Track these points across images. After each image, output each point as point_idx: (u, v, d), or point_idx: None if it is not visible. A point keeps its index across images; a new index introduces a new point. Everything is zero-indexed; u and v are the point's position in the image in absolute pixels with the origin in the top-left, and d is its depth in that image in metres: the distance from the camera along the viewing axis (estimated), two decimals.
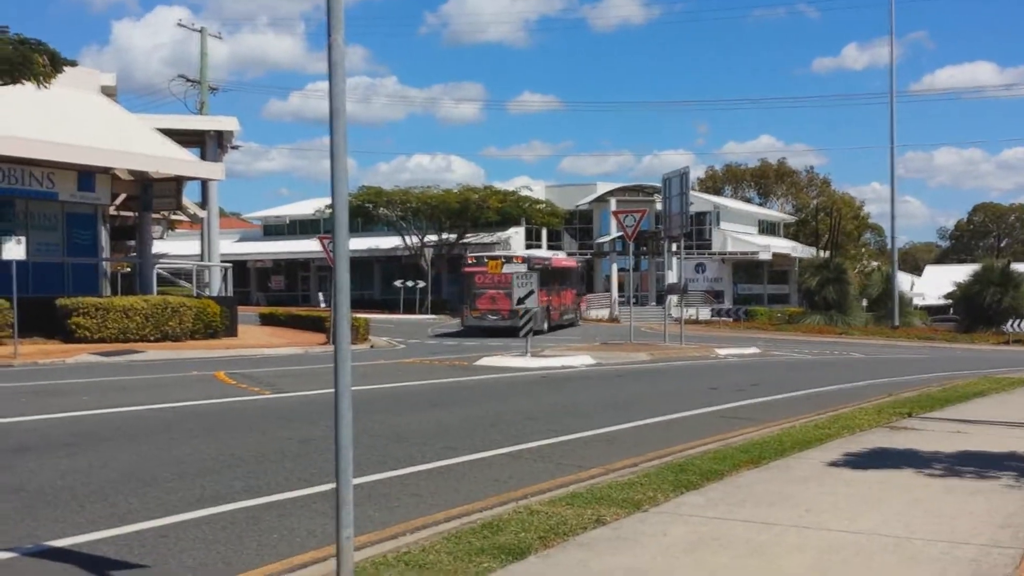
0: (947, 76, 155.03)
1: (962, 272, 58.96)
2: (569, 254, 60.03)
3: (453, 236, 63.08)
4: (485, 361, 23.01)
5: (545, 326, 42.14)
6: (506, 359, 23.25)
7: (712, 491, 7.77)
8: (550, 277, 44.12)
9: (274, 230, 76.82)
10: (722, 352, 29.49)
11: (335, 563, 4.96)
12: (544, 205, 64.41)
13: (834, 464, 9.06)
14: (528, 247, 65.13)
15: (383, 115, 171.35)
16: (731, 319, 55.84)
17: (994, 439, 10.80)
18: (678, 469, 8.56)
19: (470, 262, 41.73)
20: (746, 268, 69.68)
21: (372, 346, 30.10)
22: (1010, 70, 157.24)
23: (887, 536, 6.33)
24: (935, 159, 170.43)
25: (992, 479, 8.34)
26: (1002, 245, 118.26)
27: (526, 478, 8.63)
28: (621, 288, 60.18)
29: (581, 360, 23.87)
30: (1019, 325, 45.17)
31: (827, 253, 57.08)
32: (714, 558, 5.80)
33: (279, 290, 72.56)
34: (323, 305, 60.14)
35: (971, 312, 50.90)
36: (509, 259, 38.93)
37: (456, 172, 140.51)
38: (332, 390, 4.87)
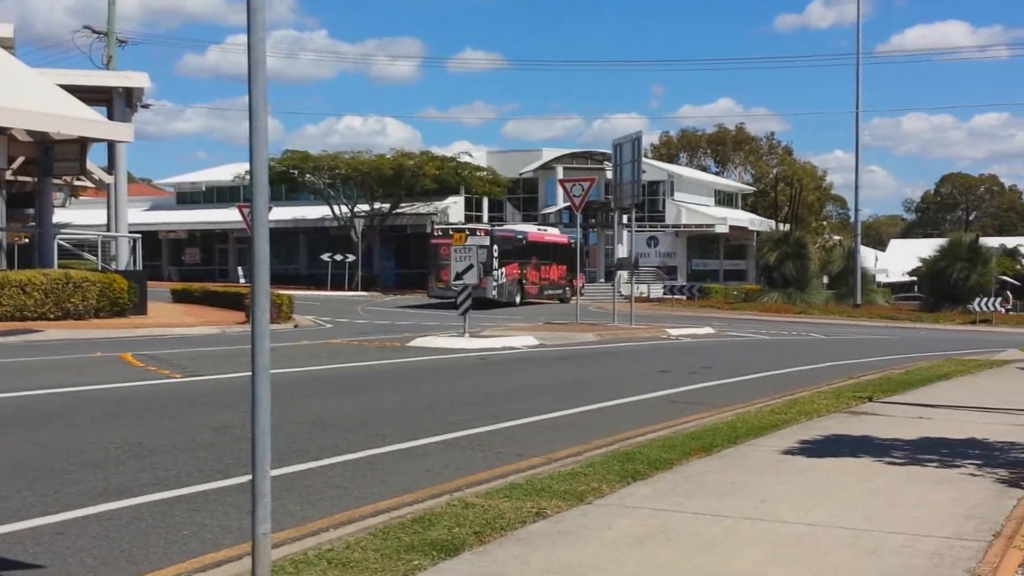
0: (917, 36, 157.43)
1: (928, 247, 60.02)
2: (557, 229, 60.41)
3: (386, 206, 62.74)
4: (419, 342, 22.97)
5: (517, 299, 46.16)
6: (442, 340, 23.23)
7: (661, 481, 7.85)
8: (527, 251, 47.13)
9: (189, 198, 75.75)
10: (674, 332, 29.77)
11: (250, 561, 4.91)
12: (485, 172, 64.33)
13: (790, 452, 9.20)
14: (468, 218, 65.08)
15: (311, 72, 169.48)
16: (685, 297, 56.35)
17: (957, 425, 11.05)
18: (625, 458, 8.63)
19: (437, 234, 46.10)
20: (701, 242, 70.36)
21: (296, 326, 29.88)
22: (984, 30, 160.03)
23: (845, 528, 6.44)
24: (902, 126, 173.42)
25: (955, 467, 8.53)
26: (971, 218, 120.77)
27: (461, 468, 8.63)
28: None
29: (523, 341, 23.94)
30: (986, 304, 46.14)
31: (787, 226, 57.79)
32: (661, 553, 5.85)
33: (194, 264, 71.68)
34: (243, 280, 59.52)
35: (937, 290, 51.90)
36: (474, 231, 43.86)
37: (390, 136, 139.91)
38: (249, 373, 4.80)
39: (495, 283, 44.65)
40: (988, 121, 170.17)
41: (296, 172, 62.36)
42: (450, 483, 7.95)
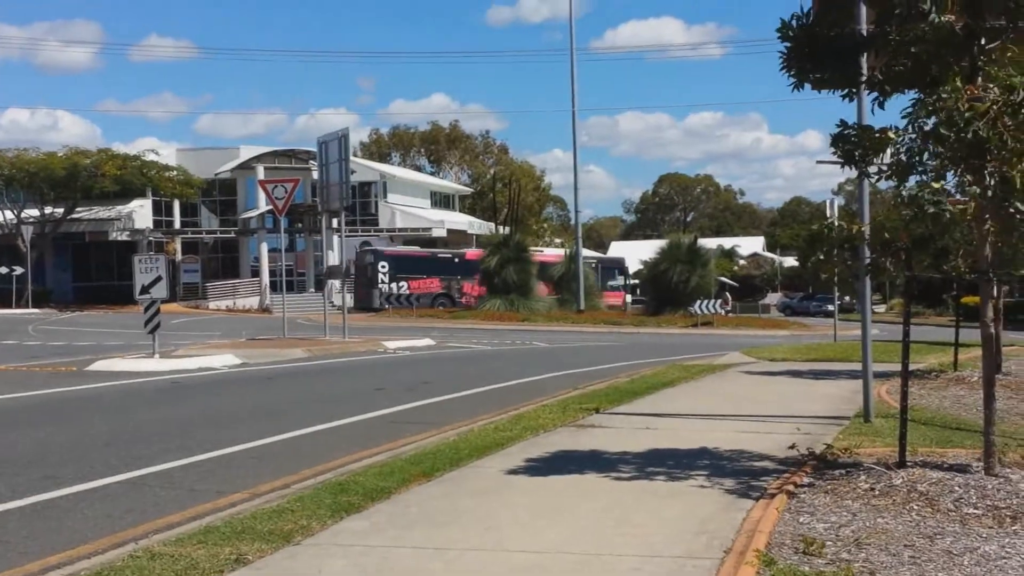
0: (631, 33, 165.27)
1: (650, 248, 62.87)
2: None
3: (60, 211, 59.40)
4: (101, 365, 21.78)
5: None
6: (128, 362, 22.13)
7: (377, 513, 7.69)
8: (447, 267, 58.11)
9: None
10: (392, 345, 29.73)
11: None
12: (176, 173, 62.07)
13: (515, 472, 9.27)
14: (157, 223, 62.73)
15: None
16: (402, 306, 56.53)
17: (685, 434, 11.51)
18: (337, 489, 8.41)
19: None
20: (418, 246, 70.87)
21: None
22: (697, 28, 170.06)
23: (573, 553, 6.50)
24: (620, 125, 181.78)
25: (685, 479, 8.84)
26: (689, 219, 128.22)
27: (150, 511, 8.16)
28: (273, 273, 59.30)
29: (223, 360, 23.18)
30: (707, 306, 48.89)
31: (506, 229, 59.07)
32: None
33: None
34: None
35: (659, 293, 54.45)
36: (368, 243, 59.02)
37: (65, 132, 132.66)
38: None
39: (380, 295, 54.69)
40: (703, 120, 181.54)
41: None
42: (135, 529, 7.51)
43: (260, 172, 59.48)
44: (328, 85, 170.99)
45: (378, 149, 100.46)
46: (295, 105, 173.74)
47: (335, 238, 51.39)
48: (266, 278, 60.07)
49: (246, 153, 66.56)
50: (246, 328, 38.80)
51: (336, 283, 38.39)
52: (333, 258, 52.25)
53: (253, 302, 58.99)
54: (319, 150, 35.34)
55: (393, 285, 54.45)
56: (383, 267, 56.53)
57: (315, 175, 47.87)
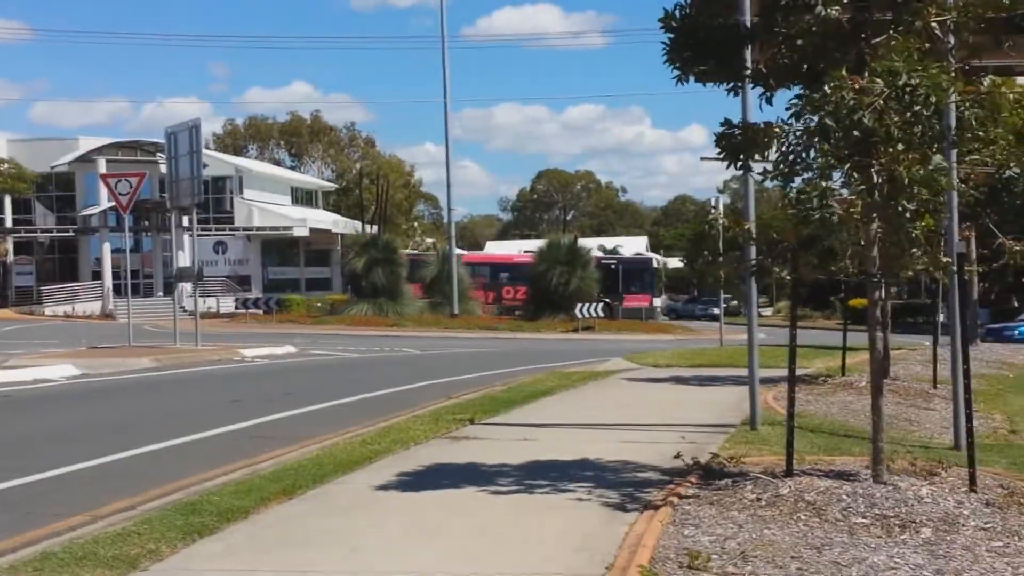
0: (504, 19, 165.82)
1: (527, 249, 63.39)
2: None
3: None
4: None
5: None
6: None
7: (233, 534, 7.61)
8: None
9: None
10: (249, 353, 29.40)
11: None
12: (7, 165, 60.42)
13: (385, 487, 9.25)
14: None
15: None
16: (261, 311, 55.95)
17: (565, 445, 11.62)
18: (189, 509, 8.29)
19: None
20: (279, 247, 70.16)
21: None
22: (576, 15, 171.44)
23: (448, 574, 6.51)
24: (495, 117, 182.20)
25: (565, 492, 8.93)
26: (568, 218, 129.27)
27: None
28: (117, 275, 58.09)
29: (60, 371, 22.62)
30: (589, 310, 49.45)
31: (374, 228, 58.91)
32: None
33: None
34: None
35: (537, 296, 54.88)
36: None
37: None
38: None
39: None
40: (584, 113, 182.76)
41: None
42: None
43: (102, 165, 58.19)
44: (177, 71, 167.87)
45: (233, 141, 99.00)
46: (141, 93, 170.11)
47: (186, 237, 50.67)
48: (109, 281, 58.80)
49: (86, 144, 65.09)
50: (87, 336, 37.97)
51: (188, 286, 37.75)
52: (184, 259, 51.45)
53: (95, 307, 57.68)
54: (168, 142, 34.86)
55: None
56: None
57: (163, 169, 46.99)
